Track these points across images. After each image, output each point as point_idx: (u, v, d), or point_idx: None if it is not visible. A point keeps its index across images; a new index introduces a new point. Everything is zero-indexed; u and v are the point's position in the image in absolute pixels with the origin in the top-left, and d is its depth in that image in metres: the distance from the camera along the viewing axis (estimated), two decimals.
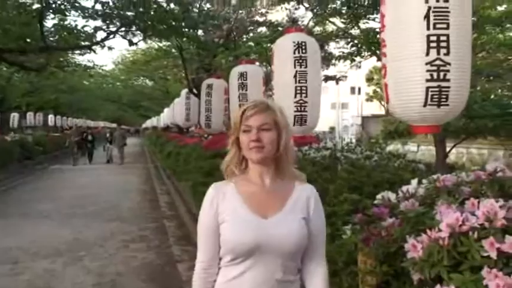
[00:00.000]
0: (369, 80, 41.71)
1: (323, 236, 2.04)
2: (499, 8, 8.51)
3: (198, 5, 13.20)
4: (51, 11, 10.74)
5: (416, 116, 3.15)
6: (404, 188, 3.23)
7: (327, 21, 11.10)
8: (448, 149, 7.96)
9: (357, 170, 4.62)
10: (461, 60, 3.01)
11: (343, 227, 3.42)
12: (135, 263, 6.66)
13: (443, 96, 2.97)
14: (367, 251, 2.97)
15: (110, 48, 12.82)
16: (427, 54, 2.95)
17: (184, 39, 12.93)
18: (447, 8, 2.94)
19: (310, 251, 1.97)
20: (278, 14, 13.74)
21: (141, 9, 10.23)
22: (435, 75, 2.96)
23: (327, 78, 13.05)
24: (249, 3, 12.24)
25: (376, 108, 42.80)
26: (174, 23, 10.82)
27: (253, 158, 1.95)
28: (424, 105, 3.01)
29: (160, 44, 16.91)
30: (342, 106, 44.48)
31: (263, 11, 14.05)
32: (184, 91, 15.09)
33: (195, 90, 13.89)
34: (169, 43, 15.16)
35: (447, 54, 2.94)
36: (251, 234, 1.85)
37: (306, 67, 5.11)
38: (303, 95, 5.07)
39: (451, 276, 2.14)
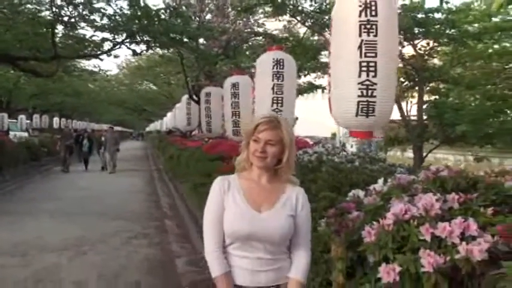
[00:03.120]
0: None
1: (307, 228, 2.49)
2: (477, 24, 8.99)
3: (198, 18, 13.76)
4: (62, 24, 11.39)
5: (351, 123, 3.97)
6: (371, 186, 3.70)
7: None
8: (455, 157, 8.50)
9: (337, 172, 5.10)
10: (386, 81, 3.83)
11: (319, 220, 3.87)
12: (138, 257, 7.12)
13: (371, 109, 3.78)
14: (338, 241, 3.41)
15: (115, 56, 13.64)
16: (359, 76, 3.78)
17: (185, 49, 13.51)
18: (375, 41, 3.73)
19: (296, 239, 2.43)
20: (277, 23, 14.23)
21: (144, 22, 10.87)
22: (365, 92, 3.78)
23: (318, 87, 13.57)
24: (246, 16, 12.81)
25: None
26: (174, 35, 11.43)
27: (256, 164, 2.41)
28: (356, 116, 3.82)
29: (162, 52, 17.45)
30: None
31: (260, 21, 14.59)
32: (184, 97, 15.57)
33: (195, 97, 14.37)
34: (171, 50, 15.73)
35: (374, 76, 3.75)
36: (246, 225, 2.32)
37: (282, 81, 5.90)
38: (279, 104, 5.87)
39: (396, 257, 2.61)
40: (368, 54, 3.72)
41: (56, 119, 38.12)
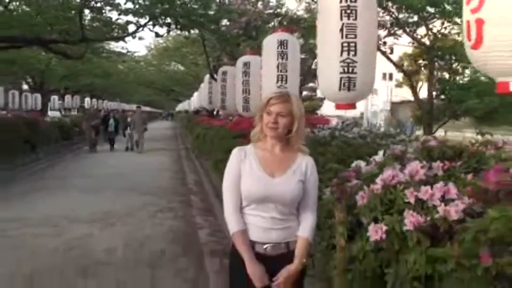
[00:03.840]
0: (399, 66, 41.50)
1: (315, 193, 2.78)
2: None
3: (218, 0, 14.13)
4: (89, 9, 12.05)
5: (335, 96, 4.55)
6: (372, 157, 3.97)
7: None
8: (471, 134, 8.67)
9: (347, 146, 5.37)
10: (366, 59, 4.38)
11: (324, 189, 4.16)
12: (163, 229, 7.54)
13: (352, 84, 4.34)
14: (339, 207, 3.70)
15: (140, 38, 14.30)
16: (341, 55, 4.31)
17: (206, 31, 13.99)
18: (355, 24, 4.29)
19: (304, 202, 2.73)
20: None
21: (166, 6, 11.40)
22: (346, 69, 4.32)
23: None
24: None
25: (407, 93, 42.64)
26: (195, 18, 11.90)
27: (269, 135, 2.70)
28: (339, 90, 4.38)
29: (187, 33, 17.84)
30: (372, 92, 44.37)
31: (282, 2, 14.84)
32: (207, 76, 15.95)
33: (215, 76, 14.70)
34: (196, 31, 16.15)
35: (355, 55, 4.30)
36: (261, 188, 2.62)
37: (286, 60, 6.45)
38: (284, 81, 6.41)
39: (384, 218, 2.89)
40: (349, 36, 4.28)
41: (87, 100, 38.97)
